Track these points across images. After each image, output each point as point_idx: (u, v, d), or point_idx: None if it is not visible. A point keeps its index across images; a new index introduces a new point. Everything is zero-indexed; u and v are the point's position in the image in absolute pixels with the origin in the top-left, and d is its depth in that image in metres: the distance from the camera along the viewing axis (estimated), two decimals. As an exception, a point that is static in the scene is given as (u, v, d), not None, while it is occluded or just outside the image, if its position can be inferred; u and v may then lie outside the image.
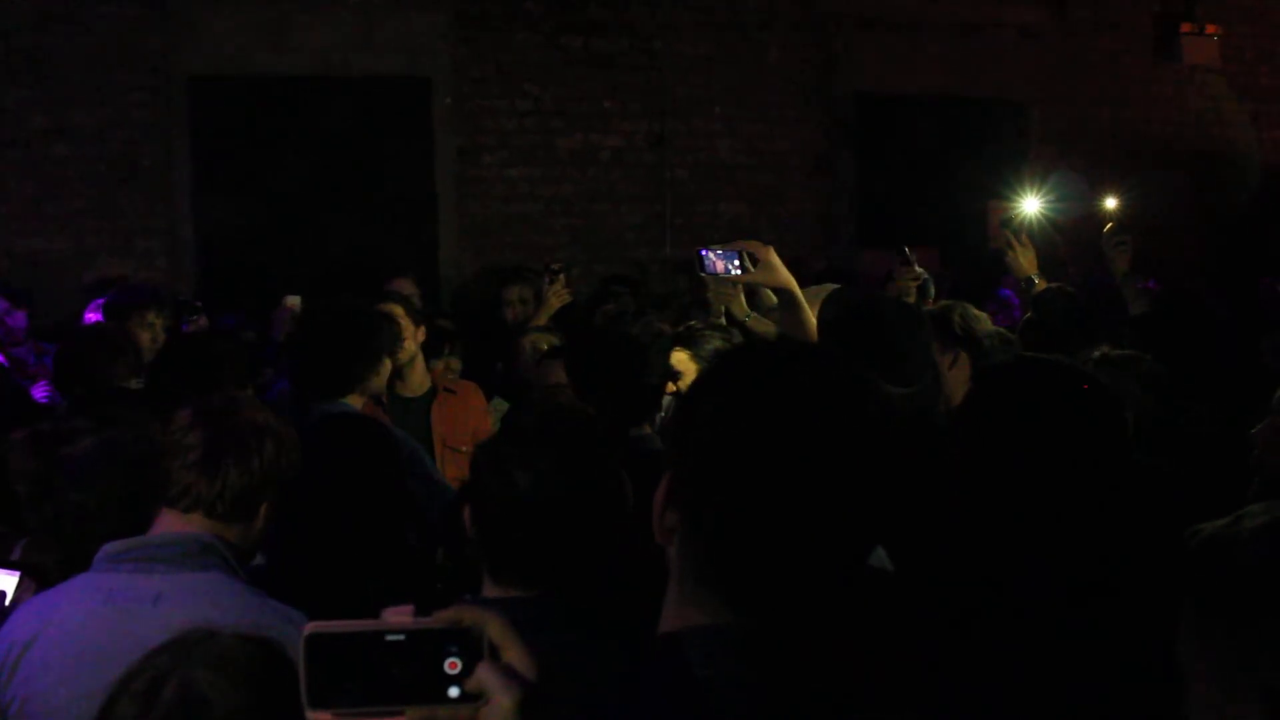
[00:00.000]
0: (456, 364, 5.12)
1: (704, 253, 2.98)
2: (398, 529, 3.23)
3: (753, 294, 4.99)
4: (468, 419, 4.21)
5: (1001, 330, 3.95)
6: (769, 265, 2.94)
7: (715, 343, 3.79)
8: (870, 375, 1.20)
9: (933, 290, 5.00)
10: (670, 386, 3.79)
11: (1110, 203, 4.35)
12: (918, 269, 4.78)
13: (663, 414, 3.91)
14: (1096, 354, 3.28)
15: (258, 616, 2.06)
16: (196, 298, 6.01)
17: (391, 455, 3.22)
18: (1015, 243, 4.24)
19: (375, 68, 7.92)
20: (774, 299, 4.36)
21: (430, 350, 4.50)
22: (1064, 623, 1.78)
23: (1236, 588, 1.17)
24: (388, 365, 3.55)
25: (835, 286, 4.01)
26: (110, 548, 2.13)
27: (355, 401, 3.40)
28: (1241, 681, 1.15)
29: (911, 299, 4.34)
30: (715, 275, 3.02)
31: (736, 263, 2.95)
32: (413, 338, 4.14)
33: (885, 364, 2.93)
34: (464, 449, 4.08)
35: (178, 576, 2.10)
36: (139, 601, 2.07)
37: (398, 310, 4.08)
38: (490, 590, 1.92)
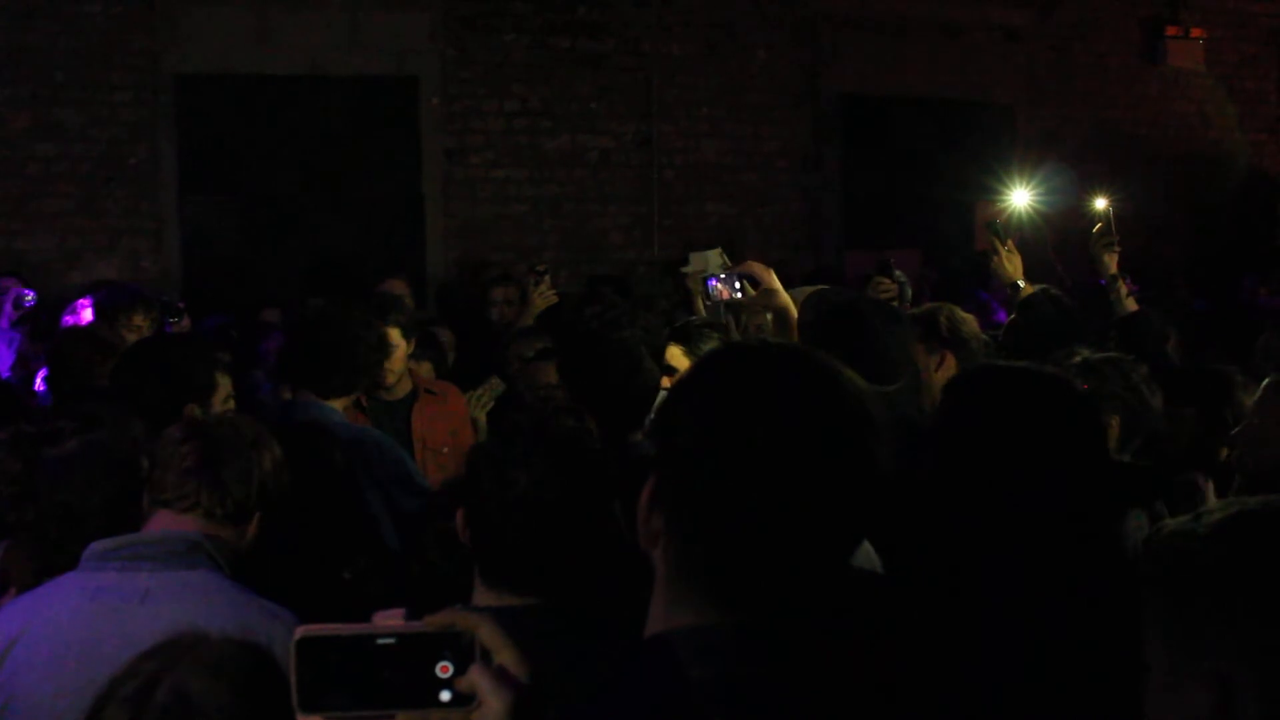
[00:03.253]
0: (428, 367, 5.09)
1: (711, 282, 3.13)
2: (369, 536, 3.20)
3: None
4: (448, 421, 4.20)
5: (984, 335, 3.95)
6: (770, 289, 3.01)
7: (712, 342, 3.76)
8: (852, 374, 1.20)
9: (910, 293, 4.97)
10: (665, 381, 3.78)
11: (1100, 203, 4.32)
12: (896, 276, 4.72)
13: (652, 416, 3.91)
14: (1078, 358, 3.28)
15: (246, 615, 2.06)
16: (182, 297, 5.99)
17: (355, 463, 3.18)
18: (1001, 247, 4.21)
19: (362, 67, 7.91)
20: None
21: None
22: (1050, 622, 1.79)
23: (1193, 579, 1.19)
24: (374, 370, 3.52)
25: (826, 288, 4.02)
26: (97, 546, 2.13)
27: (336, 402, 3.37)
28: (1194, 669, 1.17)
29: None
30: (722, 301, 3.16)
31: (738, 285, 3.07)
32: (403, 356, 4.13)
33: (865, 362, 2.93)
34: (445, 450, 4.08)
35: (165, 574, 2.09)
36: (126, 599, 2.06)
37: (393, 334, 4.03)
38: (483, 596, 1.90)
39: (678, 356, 3.78)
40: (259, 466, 2.23)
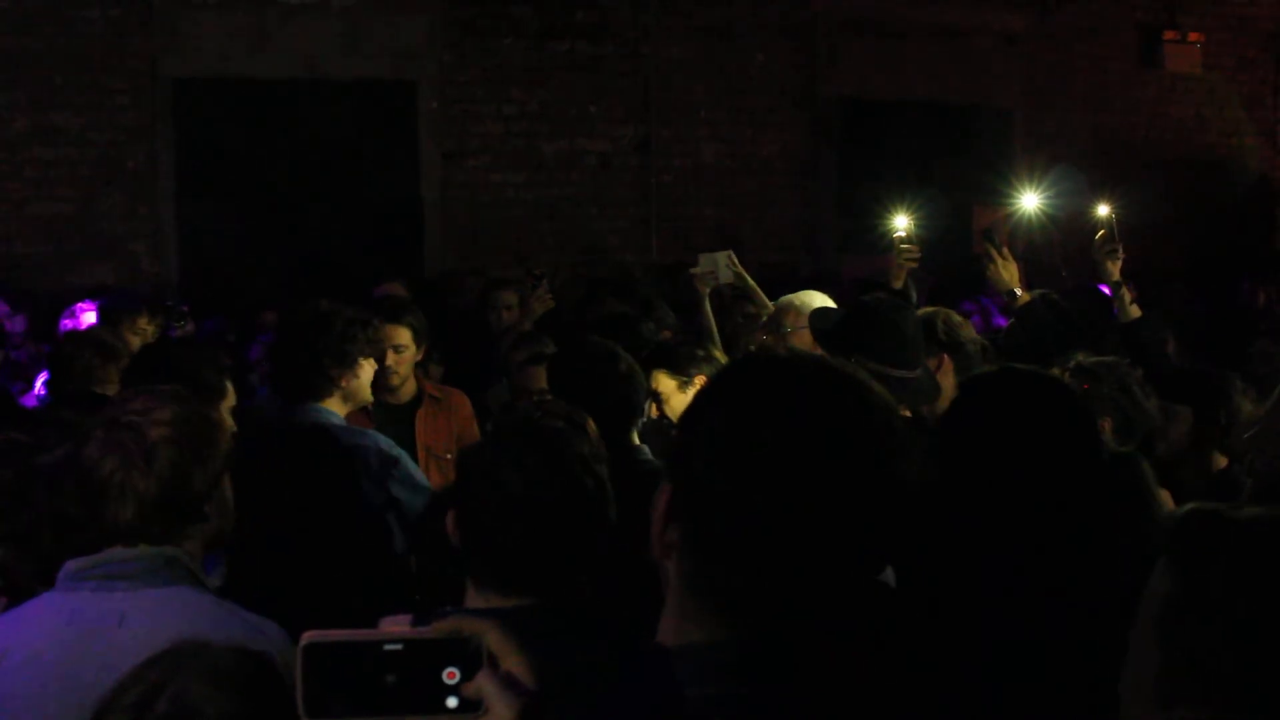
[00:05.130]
0: (438, 370, 5.10)
1: None
2: (368, 540, 3.19)
3: (742, 296, 5.03)
4: (452, 426, 4.19)
5: (980, 339, 3.95)
6: None
7: (702, 369, 3.68)
8: (878, 386, 1.17)
9: (915, 295, 4.98)
10: (653, 411, 3.72)
11: (1102, 210, 4.31)
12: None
13: (646, 419, 3.89)
14: (1072, 362, 3.29)
15: (229, 630, 1.97)
16: (181, 301, 5.99)
17: (354, 466, 3.17)
18: (997, 255, 4.19)
19: (361, 71, 7.91)
20: (768, 305, 4.46)
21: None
22: (1050, 622, 1.80)
23: (1215, 588, 1.17)
24: (368, 369, 3.46)
25: (820, 296, 4.03)
26: (71, 565, 2.03)
27: (336, 406, 3.34)
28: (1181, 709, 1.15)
29: (900, 283, 4.28)
30: None
31: None
32: (410, 359, 4.11)
33: (888, 351, 2.99)
34: (449, 456, 4.06)
35: (141, 594, 2.00)
36: (103, 622, 1.97)
37: (404, 334, 4.03)
38: (474, 599, 1.88)
39: (663, 379, 3.71)
40: (156, 473, 2.04)
